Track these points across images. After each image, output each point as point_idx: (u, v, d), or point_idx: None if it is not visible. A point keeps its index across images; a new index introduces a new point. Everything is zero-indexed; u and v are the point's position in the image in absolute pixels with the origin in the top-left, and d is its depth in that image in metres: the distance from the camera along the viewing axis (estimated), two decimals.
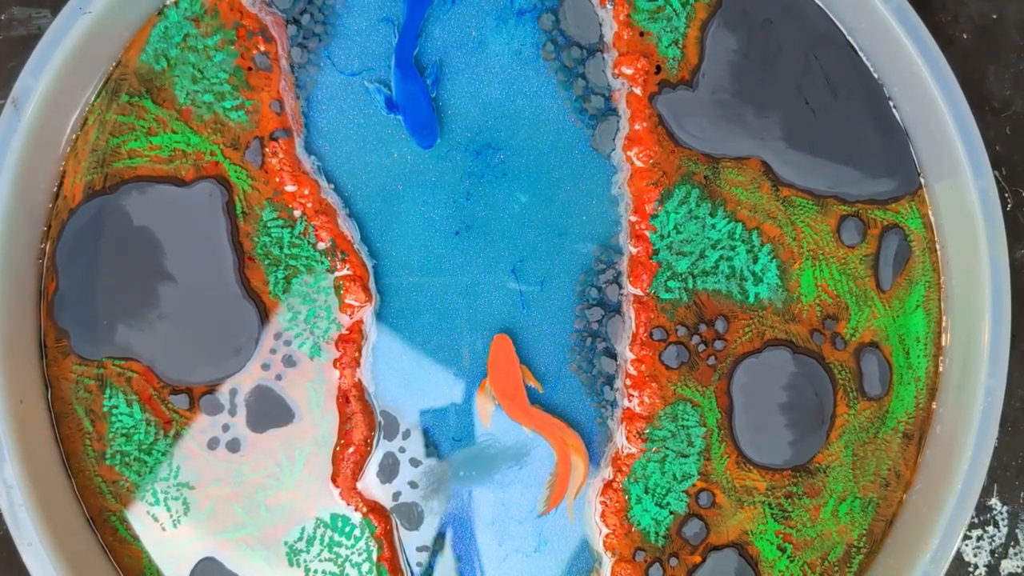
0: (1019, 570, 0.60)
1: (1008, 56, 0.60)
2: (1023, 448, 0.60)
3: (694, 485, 0.55)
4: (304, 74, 0.55)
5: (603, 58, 0.55)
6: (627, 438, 0.55)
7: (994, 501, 0.60)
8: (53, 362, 0.55)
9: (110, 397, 0.55)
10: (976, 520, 0.60)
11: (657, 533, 0.55)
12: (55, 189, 0.55)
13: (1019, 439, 0.60)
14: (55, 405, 0.55)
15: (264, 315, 0.55)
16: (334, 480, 0.55)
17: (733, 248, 0.55)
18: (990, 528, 0.60)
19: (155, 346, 0.55)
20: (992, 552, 0.60)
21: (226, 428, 0.55)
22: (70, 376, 0.55)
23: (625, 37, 0.55)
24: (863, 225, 0.55)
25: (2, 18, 0.58)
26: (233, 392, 0.55)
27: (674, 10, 0.55)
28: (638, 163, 0.55)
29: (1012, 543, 0.60)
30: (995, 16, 0.61)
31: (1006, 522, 0.60)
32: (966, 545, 0.60)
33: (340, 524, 0.55)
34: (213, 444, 0.55)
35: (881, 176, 0.55)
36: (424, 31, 0.55)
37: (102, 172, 0.55)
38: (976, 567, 0.60)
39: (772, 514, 0.55)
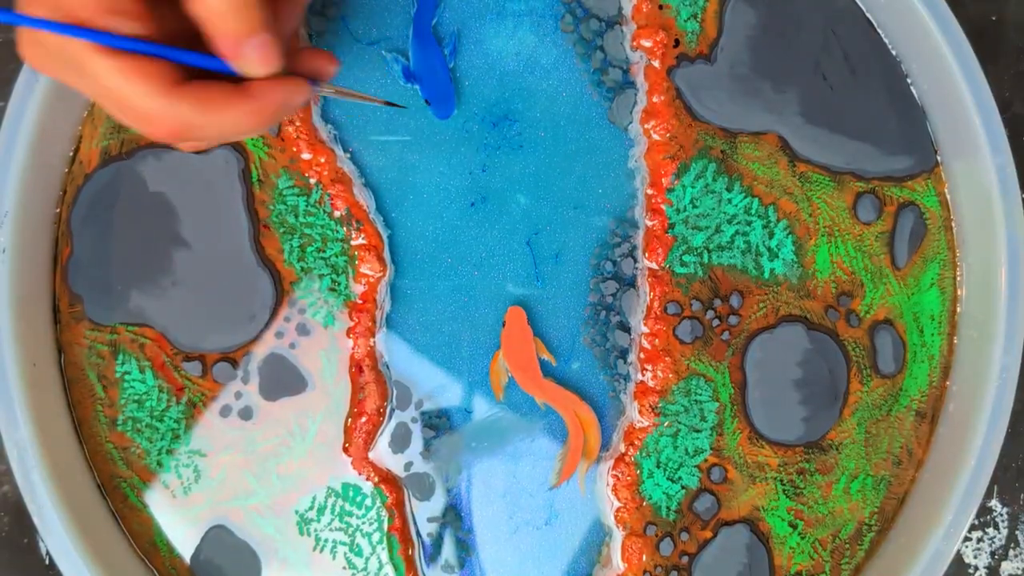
0: (1019, 572, 0.60)
1: (1007, 58, 0.60)
2: (1023, 450, 0.60)
3: (706, 460, 0.55)
4: (322, 42, 0.55)
5: (621, 31, 0.55)
6: (640, 412, 0.55)
7: (994, 503, 0.60)
8: (66, 327, 0.55)
9: (123, 363, 0.55)
10: (976, 522, 0.60)
11: (668, 508, 0.54)
12: (71, 154, 0.55)
13: (1019, 440, 0.60)
14: (67, 370, 0.55)
15: (278, 283, 0.55)
16: (346, 450, 0.54)
17: (749, 223, 0.55)
18: (990, 530, 0.60)
19: (169, 313, 0.55)
20: (992, 554, 0.60)
21: (239, 396, 0.55)
22: (83, 341, 0.55)
23: (644, 10, 0.55)
24: (879, 202, 0.55)
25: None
26: (246, 360, 0.55)
27: None
28: (655, 136, 0.55)
29: (1012, 545, 0.60)
30: (994, 18, 0.60)
31: (1006, 524, 0.60)
32: (966, 547, 0.60)
33: (351, 494, 0.54)
34: (225, 412, 0.55)
35: (898, 153, 0.55)
36: (443, 1, 0.55)
37: (118, 138, 0.55)
38: (976, 568, 0.60)
39: (784, 490, 0.55)
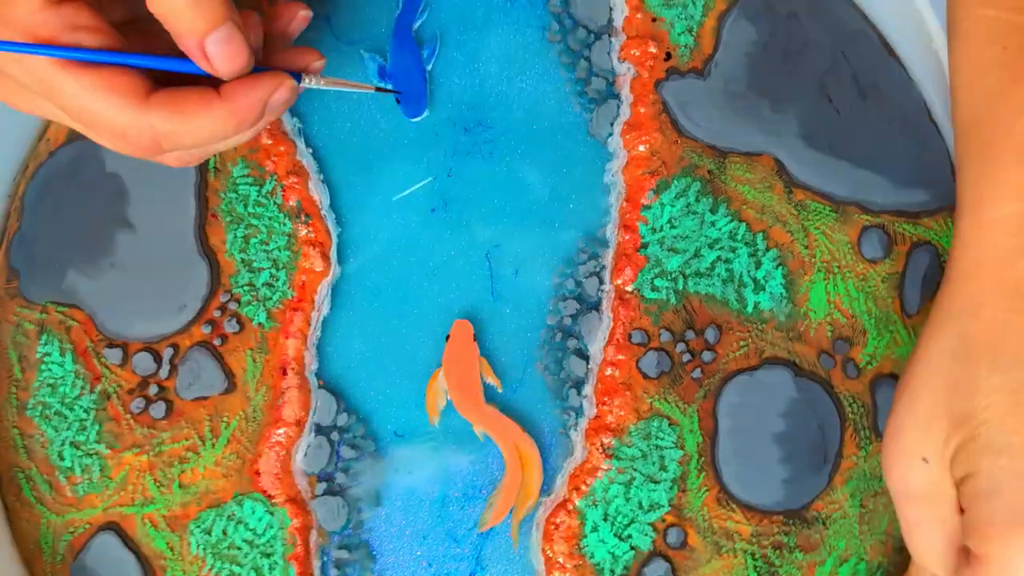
0: None
1: None
2: None
3: (663, 519, 0.46)
4: (303, 39, 0.53)
5: (610, 41, 0.51)
6: (589, 452, 0.47)
7: None
8: (0, 303, 0.52)
9: (45, 343, 0.51)
10: None
11: (613, 570, 0.46)
12: (40, 132, 0.54)
13: None
14: None
15: (216, 274, 0.51)
16: (256, 462, 0.48)
17: (733, 250, 0.48)
18: None
19: (100, 295, 0.51)
20: None
21: (154, 390, 0.50)
22: (12, 319, 0.51)
23: (636, 21, 0.51)
24: (888, 239, 0.48)
25: None
26: (168, 352, 0.50)
27: None
28: (635, 150, 0.50)
29: None
30: None
31: None
32: None
33: (254, 512, 0.48)
34: (138, 406, 0.50)
35: (912, 186, 0.48)
36: (429, 6, 0.53)
37: None
38: None
39: (755, 566, 0.45)
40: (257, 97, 0.39)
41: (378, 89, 0.47)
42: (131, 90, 0.37)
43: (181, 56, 0.38)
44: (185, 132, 0.38)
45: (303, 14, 0.43)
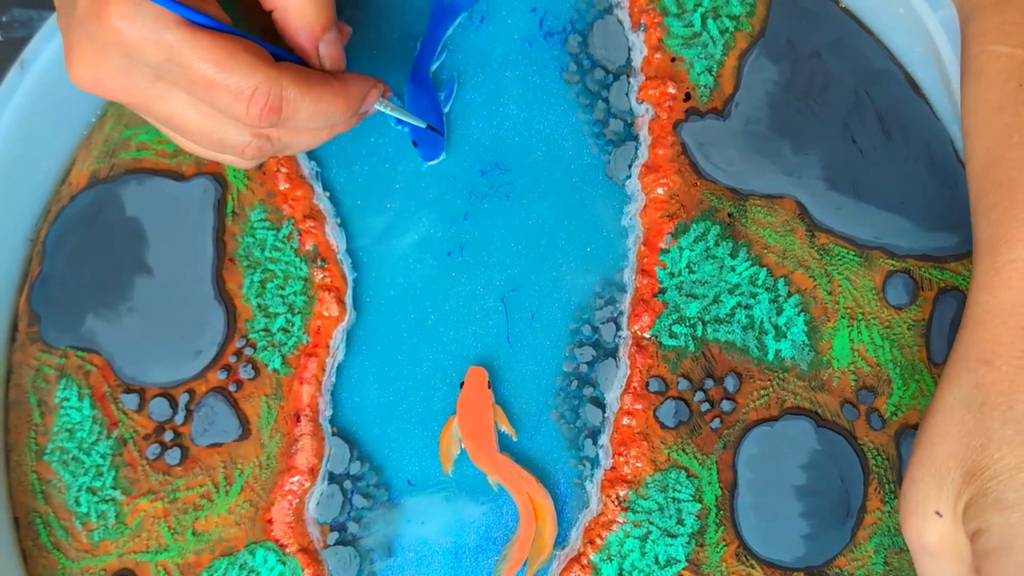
0: None
1: None
2: None
3: (680, 575, 0.45)
4: None
5: (628, 82, 0.50)
6: (605, 504, 0.46)
7: None
8: (20, 347, 0.52)
9: (64, 388, 0.51)
10: None
11: None
12: (63, 175, 0.54)
13: None
14: (11, 392, 0.52)
15: (232, 319, 0.51)
16: (269, 510, 0.48)
17: (754, 295, 0.47)
18: None
19: (118, 339, 0.51)
20: None
21: (170, 436, 0.50)
22: (32, 363, 0.52)
23: (655, 61, 0.50)
24: (914, 285, 0.46)
25: (3, 20, 0.59)
26: (184, 398, 0.50)
27: (711, 37, 0.50)
28: (653, 193, 0.49)
29: None
30: None
31: None
32: None
33: (266, 562, 0.47)
34: (153, 452, 0.49)
35: (939, 230, 0.47)
36: (447, 48, 0.53)
37: (108, 162, 0.54)
38: None
39: None
40: (362, 87, 0.44)
41: (428, 127, 0.49)
42: (262, 54, 0.40)
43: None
44: (307, 102, 0.41)
45: (346, 29, 0.47)
